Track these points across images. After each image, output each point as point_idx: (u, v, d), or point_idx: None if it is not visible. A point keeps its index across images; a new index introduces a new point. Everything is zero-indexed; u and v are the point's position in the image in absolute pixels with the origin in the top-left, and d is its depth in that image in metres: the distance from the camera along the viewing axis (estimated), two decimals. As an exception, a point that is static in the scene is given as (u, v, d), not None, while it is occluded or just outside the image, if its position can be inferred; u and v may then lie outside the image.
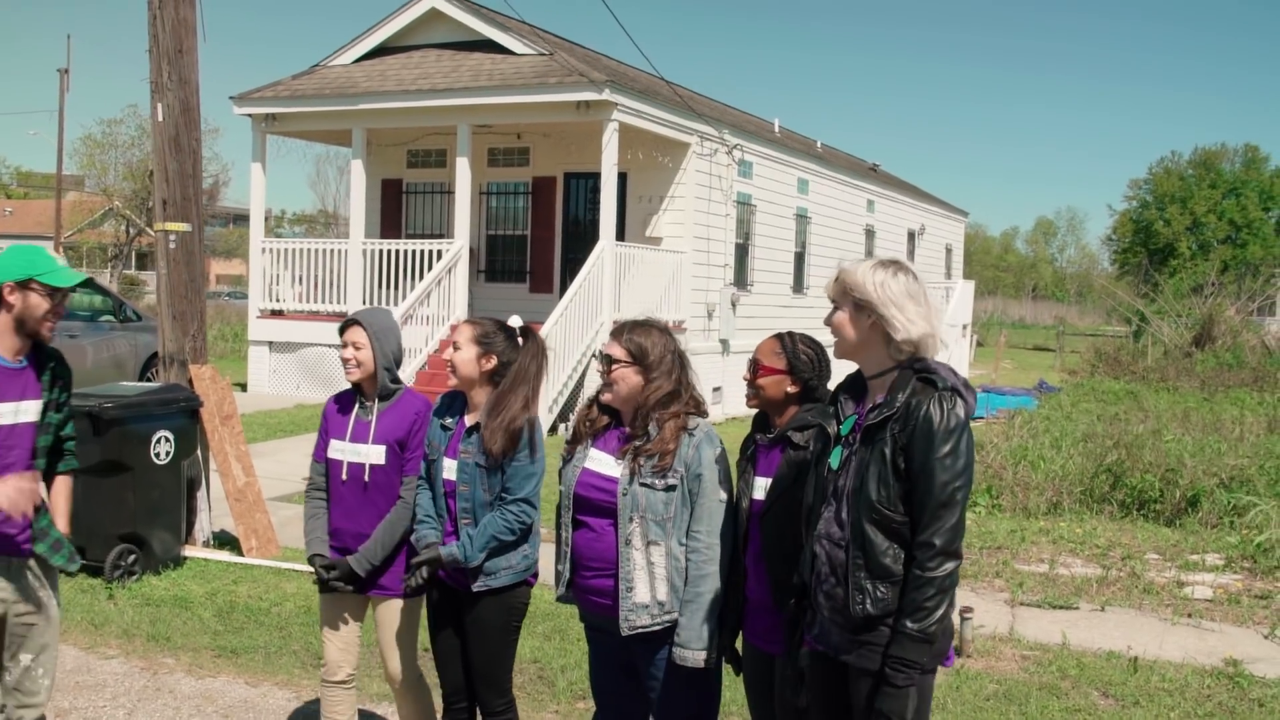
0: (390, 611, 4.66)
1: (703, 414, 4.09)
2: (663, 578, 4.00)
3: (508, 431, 4.26)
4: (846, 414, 3.41)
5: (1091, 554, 9.50)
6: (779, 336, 3.91)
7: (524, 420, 4.30)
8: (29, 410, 4.12)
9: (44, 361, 4.20)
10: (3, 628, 4.11)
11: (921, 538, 3.18)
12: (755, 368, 3.88)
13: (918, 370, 3.27)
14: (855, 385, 3.45)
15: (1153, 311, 32.53)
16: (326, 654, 4.73)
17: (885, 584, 3.22)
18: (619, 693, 4.32)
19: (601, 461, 4.10)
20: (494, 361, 4.38)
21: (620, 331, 4.12)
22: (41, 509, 4.17)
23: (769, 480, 3.83)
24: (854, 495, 3.28)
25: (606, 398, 4.09)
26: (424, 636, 4.66)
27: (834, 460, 3.39)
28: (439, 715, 4.68)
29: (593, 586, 4.12)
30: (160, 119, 8.81)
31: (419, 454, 4.58)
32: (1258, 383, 23.08)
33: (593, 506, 4.08)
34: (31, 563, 4.17)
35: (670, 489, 3.95)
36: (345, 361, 4.59)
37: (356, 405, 4.66)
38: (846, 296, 3.34)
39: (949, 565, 3.17)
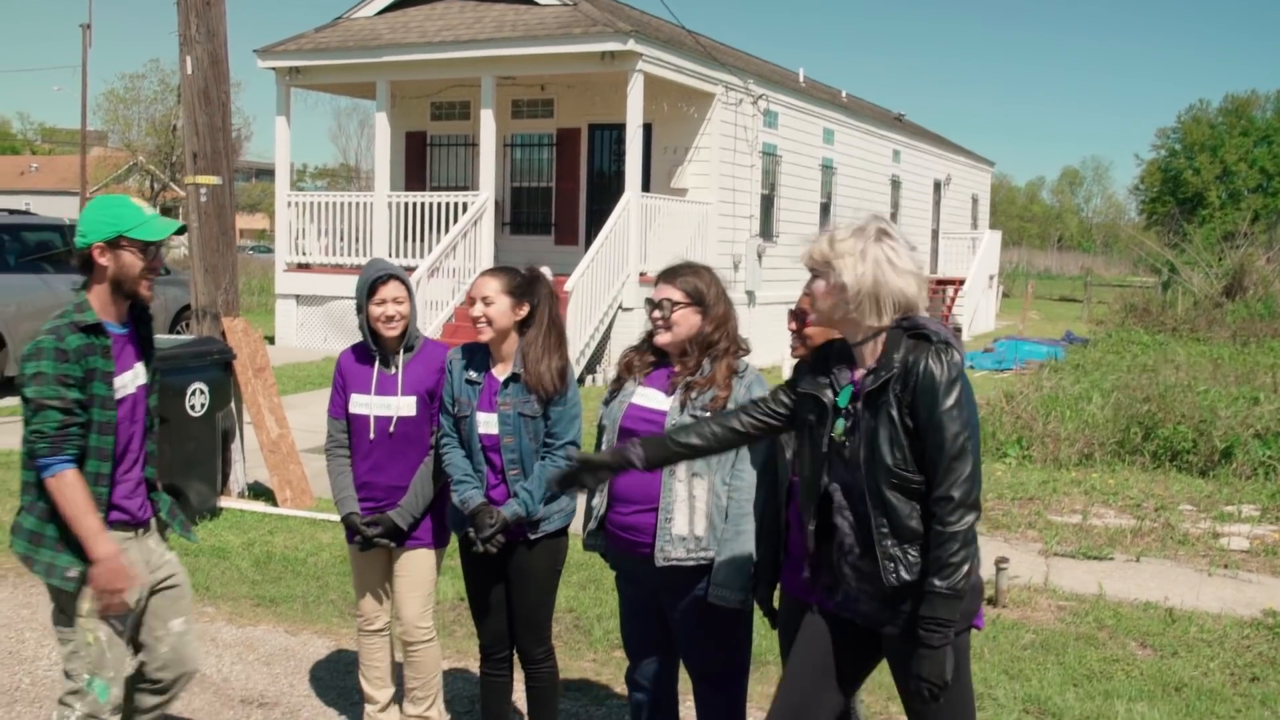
0: (415, 561, 4.65)
1: (746, 351, 4.14)
2: (702, 513, 4.03)
3: (559, 371, 4.32)
4: (842, 383, 3.35)
5: (1124, 505, 9.48)
6: None
7: (566, 357, 4.38)
8: (141, 373, 3.96)
9: (138, 319, 3.99)
10: (151, 598, 3.96)
11: (939, 492, 3.14)
12: (802, 317, 3.84)
13: (907, 328, 3.23)
14: (844, 354, 3.39)
15: (1182, 261, 32.25)
16: (361, 605, 4.76)
17: (915, 547, 3.20)
18: (650, 640, 4.34)
19: (649, 396, 4.13)
20: (526, 309, 4.36)
21: (673, 275, 4.13)
22: (149, 472, 4.03)
23: None
24: (868, 463, 3.22)
25: (664, 339, 4.08)
26: (456, 587, 4.67)
27: (837, 431, 3.32)
28: (478, 666, 4.70)
29: (629, 523, 4.13)
30: (189, 72, 8.79)
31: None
32: (1290, 333, 22.89)
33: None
34: (153, 526, 4.04)
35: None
36: (389, 319, 4.49)
37: (376, 359, 4.61)
38: (829, 266, 3.27)
39: (970, 517, 3.14)
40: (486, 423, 4.34)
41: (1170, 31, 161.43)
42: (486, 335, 4.35)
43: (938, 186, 30.88)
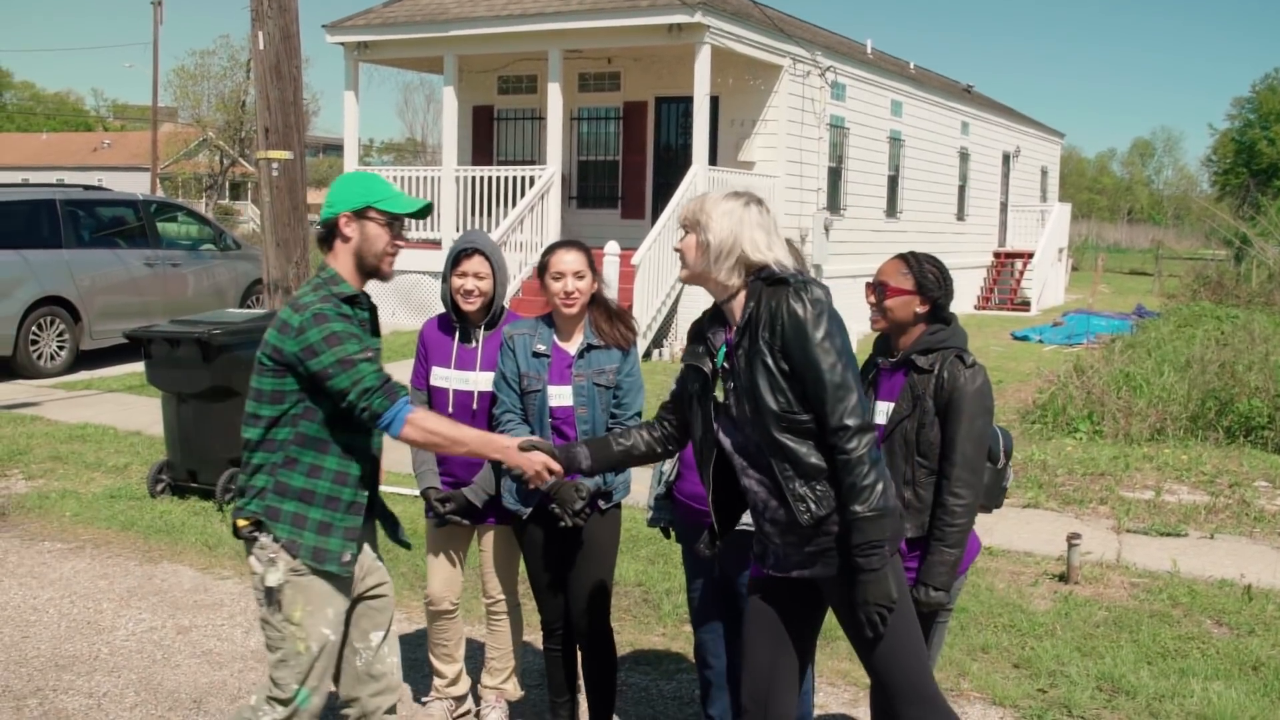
0: (496, 536, 4.67)
1: None
2: None
3: (628, 326, 4.42)
4: (717, 346, 3.43)
5: (1198, 481, 9.30)
6: (903, 257, 3.83)
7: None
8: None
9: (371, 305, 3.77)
10: (354, 606, 3.71)
11: (833, 423, 3.18)
12: (882, 290, 3.80)
13: (764, 278, 3.29)
14: (716, 318, 3.47)
15: (1256, 233, 31.54)
16: (431, 587, 4.76)
17: (820, 482, 3.24)
18: (717, 613, 4.33)
19: None
20: (598, 282, 4.38)
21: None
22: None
23: (891, 405, 3.77)
24: (755, 414, 3.27)
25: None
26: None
27: (720, 393, 3.41)
28: (542, 639, 4.70)
29: (699, 492, 4.09)
30: (261, 47, 8.86)
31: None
32: (1368, 307, 22.35)
33: None
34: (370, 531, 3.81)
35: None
36: (467, 293, 4.46)
37: (457, 332, 4.59)
38: (698, 225, 3.35)
39: (866, 438, 3.19)
40: (559, 395, 4.32)
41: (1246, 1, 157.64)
42: (576, 309, 4.33)
43: (1006, 159, 30.45)
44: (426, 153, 61.75)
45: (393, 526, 3.91)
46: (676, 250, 3.46)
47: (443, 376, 4.60)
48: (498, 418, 4.43)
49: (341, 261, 3.61)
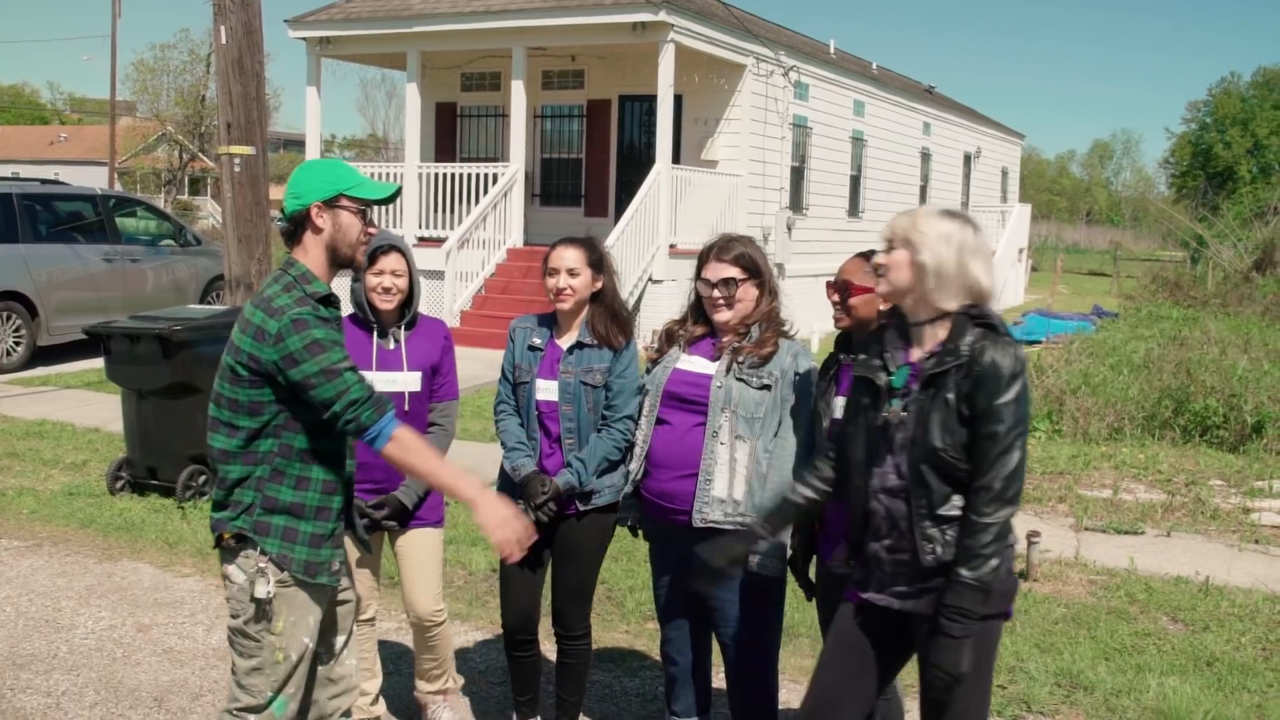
0: (421, 540, 4.55)
1: (789, 335, 4.17)
2: (743, 477, 4.04)
3: (625, 329, 4.37)
4: (896, 364, 3.33)
5: (1155, 479, 9.42)
6: (865, 256, 3.85)
7: (630, 328, 4.41)
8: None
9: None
10: (333, 608, 3.61)
11: (980, 482, 3.12)
12: (846, 289, 3.83)
13: (974, 316, 3.21)
14: (900, 333, 3.36)
15: (1212, 235, 31.94)
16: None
17: (952, 529, 3.18)
18: (684, 610, 4.35)
19: (695, 362, 4.16)
20: (601, 281, 4.34)
21: (726, 250, 4.11)
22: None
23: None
24: (915, 444, 3.21)
25: (726, 316, 4.07)
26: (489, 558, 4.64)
27: (891, 411, 3.30)
28: (503, 644, 4.64)
29: (665, 490, 4.14)
30: (224, 41, 8.80)
31: (452, 377, 4.54)
32: (1321, 309, 22.65)
33: (681, 401, 4.12)
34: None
35: (764, 388, 4.01)
36: (385, 290, 4.36)
37: (375, 333, 4.45)
38: (910, 243, 3.25)
39: (1004, 511, 3.12)
40: (546, 389, 4.31)
41: (1202, 2, 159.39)
42: (567, 306, 4.30)
43: (968, 159, 30.67)
44: (389, 149, 61.46)
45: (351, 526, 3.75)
46: (879, 265, 3.34)
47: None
48: (495, 408, 4.46)
49: (312, 255, 3.42)
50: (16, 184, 14.86)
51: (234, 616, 3.43)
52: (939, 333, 3.25)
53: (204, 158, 51.69)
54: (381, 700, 4.72)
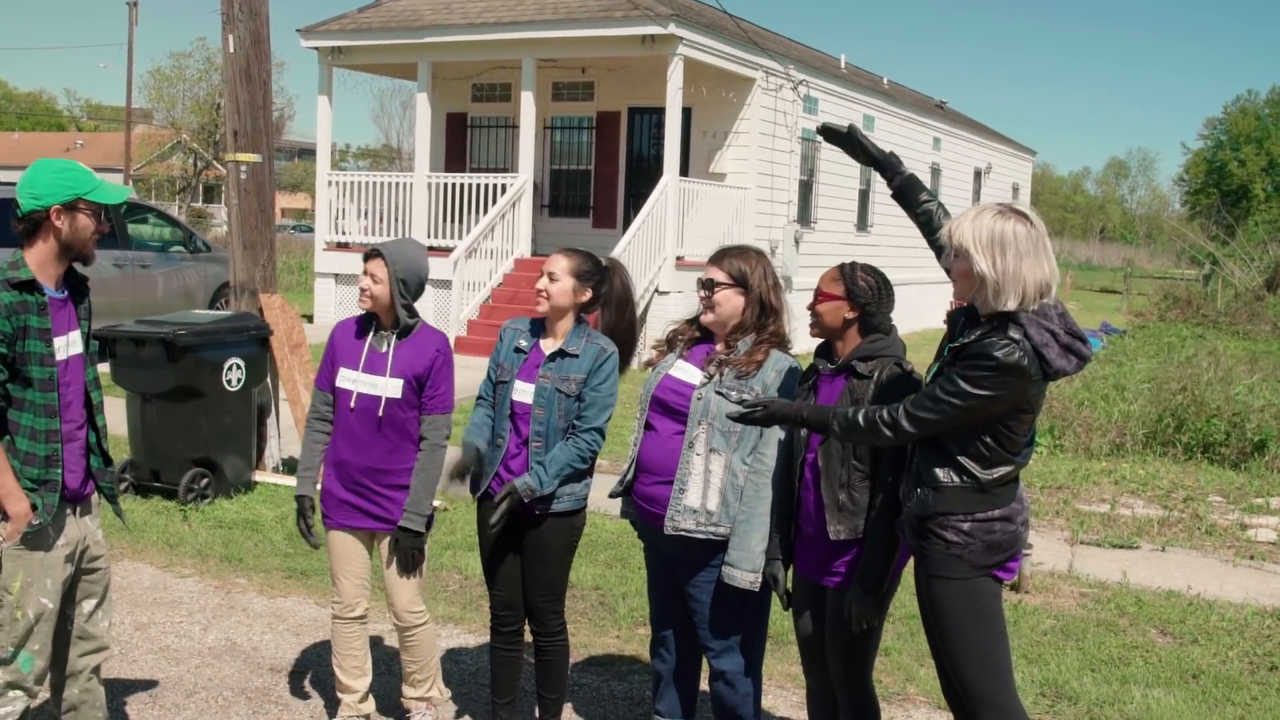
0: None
1: (785, 347, 4.21)
2: (716, 488, 4.11)
3: (614, 341, 4.49)
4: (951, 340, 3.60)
5: (1154, 495, 9.47)
6: (839, 266, 3.95)
7: (615, 348, 4.46)
8: (76, 341, 3.91)
9: (76, 288, 3.96)
10: (77, 575, 3.96)
11: (901, 405, 3.57)
12: (816, 295, 3.93)
13: (1002, 317, 3.39)
14: (972, 316, 3.57)
15: (1224, 254, 31.91)
16: (342, 591, 4.63)
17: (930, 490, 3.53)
18: (671, 612, 4.43)
19: (685, 370, 4.25)
20: (588, 294, 4.43)
21: (721, 256, 4.24)
22: (94, 450, 3.99)
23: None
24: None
25: (708, 319, 4.19)
26: (477, 564, 4.72)
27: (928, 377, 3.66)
28: (489, 637, 4.72)
29: (648, 494, 4.25)
30: (231, 50, 8.90)
31: (442, 391, 4.53)
32: (1331, 328, 22.64)
33: (667, 409, 4.22)
34: (92, 505, 4.06)
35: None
36: (361, 291, 4.47)
37: (371, 334, 4.55)
38: (965, 253, 3.40)
39: (882, 417, 3.53)
40: (522, 391, 4.40)
41: (1221, 21, 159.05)
42: (543, 309, 4.41)
43: (978, 175, 30.68)
44: (402, 159, 61.73)
45: (114, 502, 4.17)
46: (958, 276, 3.48)
47: (350, 378, 4.52)
48: (476, 400, 4.59)
49: (36, 250, 3.77)
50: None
51: None
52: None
53: (218, 166, 51.96)
54: (371, 699, 4.79)
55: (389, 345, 4.52)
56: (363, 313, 4.59)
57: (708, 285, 4.17)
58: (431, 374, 4.51)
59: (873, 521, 3.77)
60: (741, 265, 4.19)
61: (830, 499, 3.84)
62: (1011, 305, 3.35)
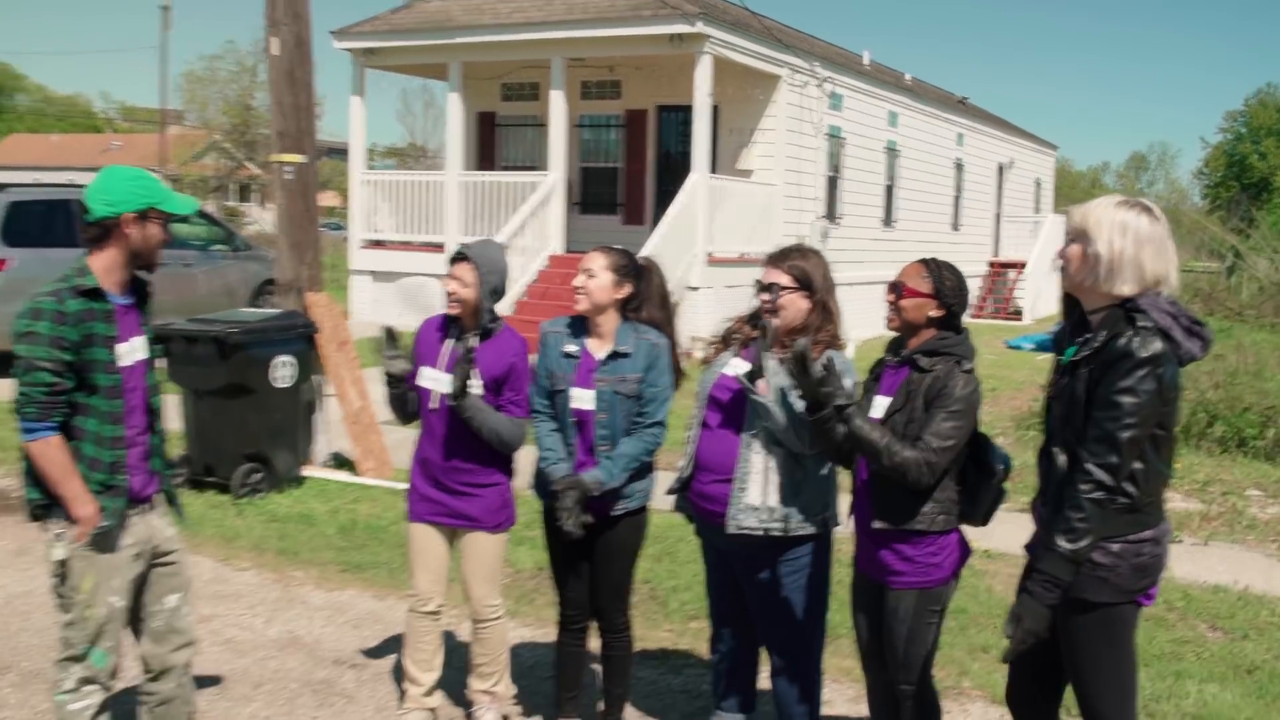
0: (483, 543, 4.59)
1: (839, 347, 4.14)
2: (776, 484, 4.07)
3: (659, 334, 4.43)
4: (1069, 347, 3.46)
5: (1191, 489, 9.39)
6: (924, 262, 3.90)
7: (668, 341, 4.42)
8: (140, 347, 3.92)
9: (140, 294, 3.98)
10: (145, 575, 3.99)
11: (1084, 464, 3.23)
12: (900, 290, 3.86)
13: (1127, 308, 3.29)
14: (1080, 319, 3.48)
15: (1247, 247, 31.62)
16: (417, 585, 4.64)
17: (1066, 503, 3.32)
18: (730, 608, 4.40)
19: (739, 367, 4.16)
20: (626, 290, 4.39)
21: (782, 258, 4.16)
22: (157, 452, 4.05)
23: (888, 400, 3.84)
24: (1053, 427, 3.41)
25: (775, 323, 4.09)
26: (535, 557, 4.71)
27: (1049, 389, 3.52)
28: (557, 633, 4.74)
29: (707, 492, 4.19)
30: (276, 53, 8.92)
31: (521, 396, 4.47)
32: (1358, 321, 22.40)
33: (724, 408, 4.16)
34: (157, 503, 4.08)
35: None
36: (449, 294, 4.44)
37: (451, 336, 4.54)
38: (1085, 235, 3.35)
39: (1099, 495, 3.20)
40: (581, 398, 4.36)
41: (1239, 16, 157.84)
42: (582, 306, 4.38)
43: (1001, 170, 30.55)
44: (427, 157, 61.72)
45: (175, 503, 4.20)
46: (1060, 258, 3.45)
47: (430, 377, 4.51)
48: (531, 412, 4.51)
49: (104, 256, 3.77)
50: (78, 190, 15.02)
51: (51, 577, 3.84)
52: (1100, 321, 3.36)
53: (250, 165, 52.14)
54: (438, 693, 4.79)
55: (469, 346, 4.46)
56: (449, 314, 4.54)
57: (770, 289, 4.09)
58: (511, 377, 4.47)
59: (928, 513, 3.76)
60: (805, 267, 4.12)
61: (878, 489, 3.81)
62: (1127, 290, 3.28)
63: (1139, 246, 3.28)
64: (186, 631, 4.14)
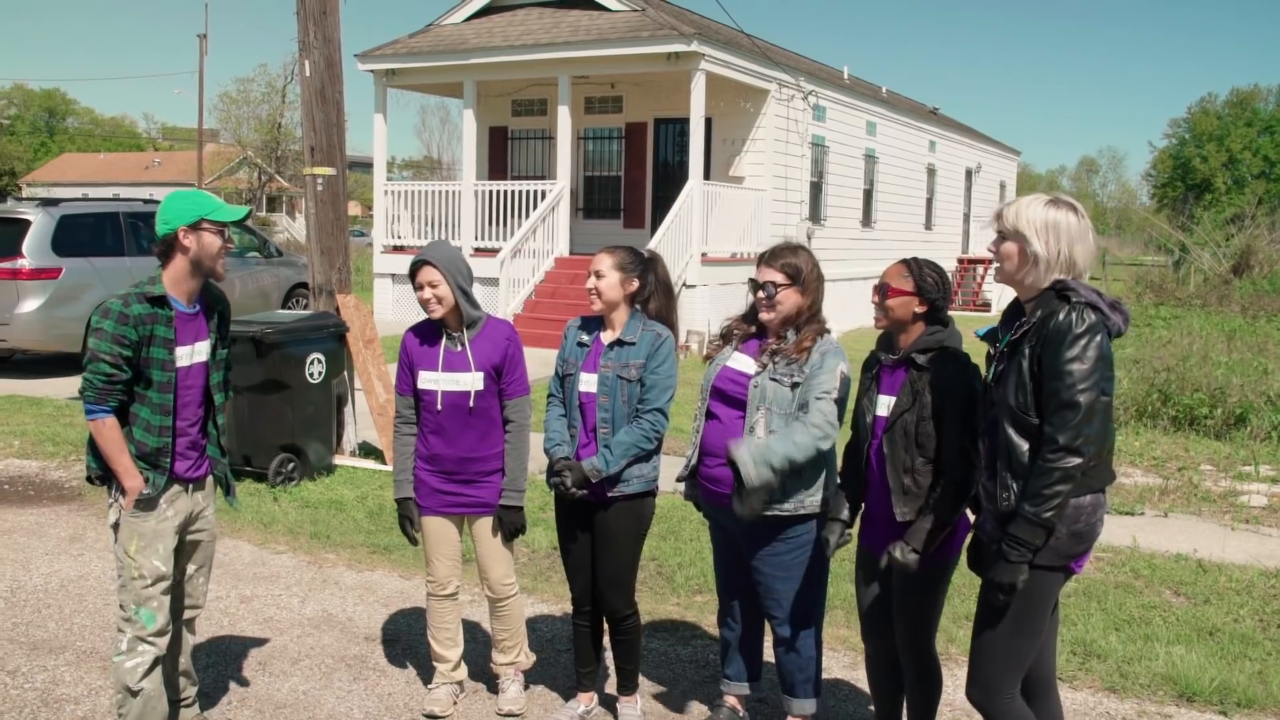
0: (491, 525, 4.49)
1: (825, 333, 4.08)
2: None
3: (662, 323, 4.34)
4: (1004, 335, 3.37)
5: (1150, 464, 9.31)
6: (905, 262, 3.81)
7: (669, 331, 4.34)
8: (202, 351, 3.98)
9: (211, 303, 4.05)
10: (181, 542, 4.04)
11: (1047, 432, 3.14)
12: (884, 291, 3.78)
13: (1058, 290, 3.22)
14: (1016, 311, 3.39)
15: (1192, 242, 31.55)
16: (434, 571, 4.56)
17: (1022, 480, 3.20)
18: (736, 584, 4.34)
19: (741, 361, 4.12)
20: (636, 283, 4.31)
21: (774, 257, 4.08)
22: (214, 441, 4.09)
23: (892, 399, 3.76)
24: (1000, 403, 3.27)
25: (769, 318, 4.03)
26: (550, 537, 4.62)
27: (990, 375, 3.40)
28: (570, 612, 4.64)
29: (713, 475, 4.13)
30: (308, 74, 8.80)
31: (518, 375, 4.42)
32: (1295, 308, 22.33)
33: (726, 398, 4.10)
34: (207, 484, 4.14)
35: (796, 386, 3.97)
36: (425, 303, 4.31)
37: (443, 337, 4.40)
38: (1020, 234, 3.27)
39: (1070, 460, 3.09)
40: (587, 382, 4.30)
41: (1183, 24, 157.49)
42: (596, 306, 4.31)
43: (969, 174, 30.43)
44: (442, 169, 61.60)
45: (229, 492, 4.27)
46: (991, 251, 3.38)
47: (431, 379, 4.38)
48: (547, 398, 4.48)
49: (172, 269, 3.89)
50: (123, 204, 14.95)
51: (114, 542, 3.96)
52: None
53: (280, 179, 51.99)
54: (463, 667, 4.71)
55: (463, 344, 4.39)
56: (431, 319, 4.41)
57: (766, 287, 4.02)
58: (506, 362, 4.41)
59: (937, 500, 3.65)
60: (796, 263, 4.05)
61: (896, 483, 3.71)
62: (1058, 278, 3.23)
63: (1071, 244, 3.25)
64: (194, 595, 4.22)
